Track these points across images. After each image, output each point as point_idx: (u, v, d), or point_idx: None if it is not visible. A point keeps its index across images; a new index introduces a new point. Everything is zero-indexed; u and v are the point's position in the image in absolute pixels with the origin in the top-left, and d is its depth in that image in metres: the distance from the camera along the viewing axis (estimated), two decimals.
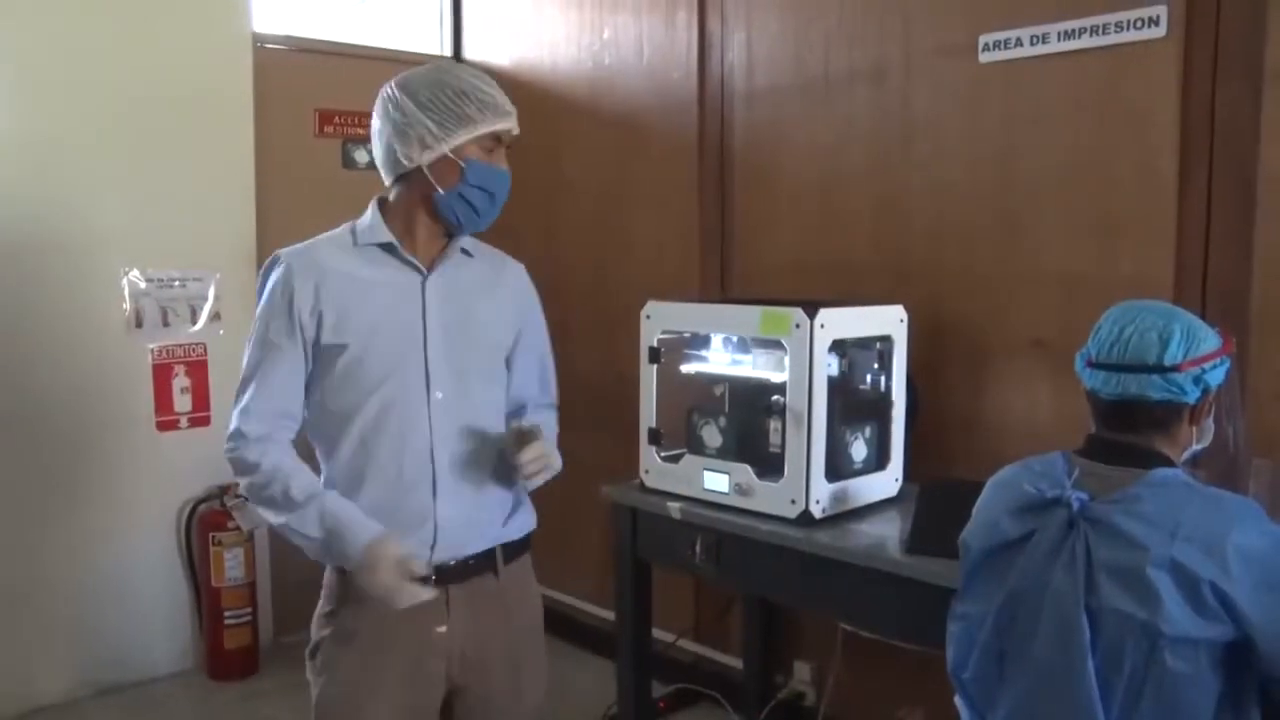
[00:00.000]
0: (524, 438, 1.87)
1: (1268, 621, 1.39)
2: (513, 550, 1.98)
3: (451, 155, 1.81)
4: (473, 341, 1.92)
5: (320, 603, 1.92)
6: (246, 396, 1.83)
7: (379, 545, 1.73)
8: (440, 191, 1.83)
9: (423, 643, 1.86)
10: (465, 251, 1.94)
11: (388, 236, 1.86)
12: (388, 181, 1.90)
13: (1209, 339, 1.57)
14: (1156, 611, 1.41)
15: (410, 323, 1.86)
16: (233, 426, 1.83)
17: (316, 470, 1.89)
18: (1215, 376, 1.58)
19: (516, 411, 2.05)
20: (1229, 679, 1.44)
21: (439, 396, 1.86)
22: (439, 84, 1.81)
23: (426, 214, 1.87)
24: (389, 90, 1.85)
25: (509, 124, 1.86)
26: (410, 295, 1.87)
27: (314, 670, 1.91)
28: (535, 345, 2.09)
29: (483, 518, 1.93)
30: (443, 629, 1.86)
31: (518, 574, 2.00)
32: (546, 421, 2.07)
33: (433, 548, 1.85)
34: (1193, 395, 1.56)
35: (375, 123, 1.88)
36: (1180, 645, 1.41)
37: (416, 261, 1.88)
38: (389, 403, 1.84)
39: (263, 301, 1.84)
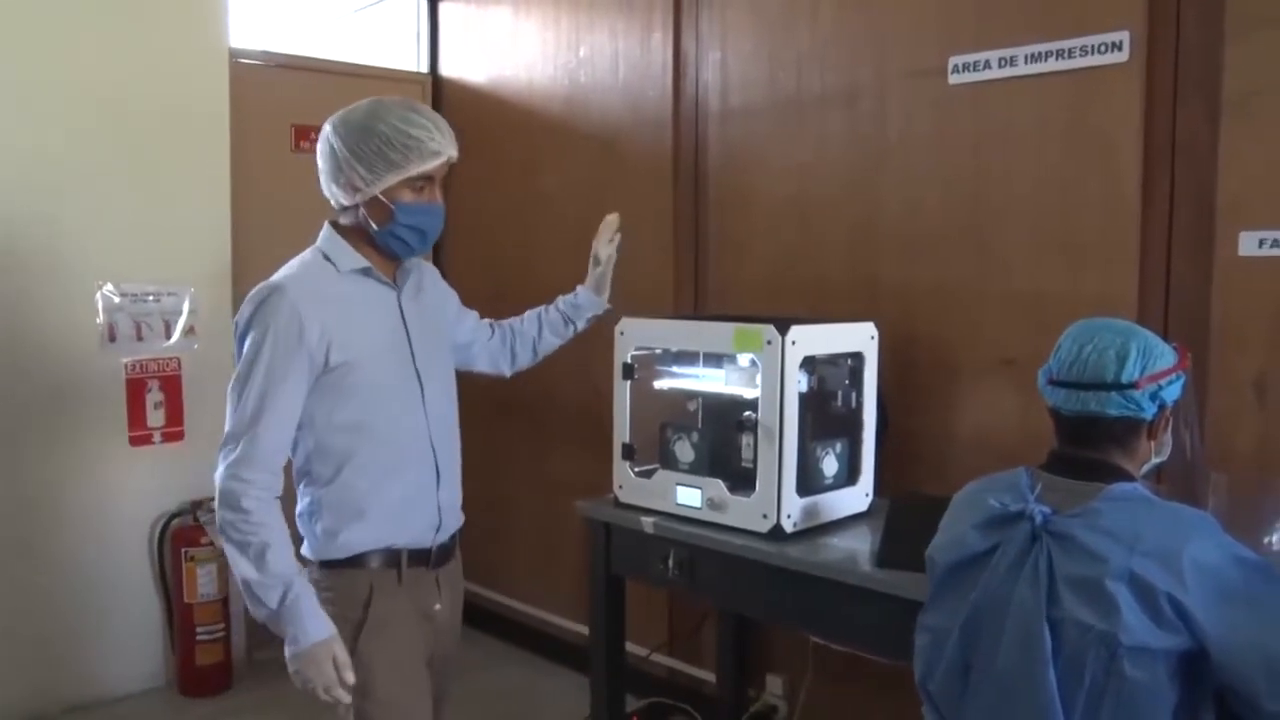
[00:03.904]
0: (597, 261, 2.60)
1: (1221, 632, 1.43)
2: (459, 534, 2.22)
3: (382, 198, 1.96)
4: (437, 339, 2.16)
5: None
6: (257, 428, 1.87)
7: (332, 644, 1.88)
8: (376, 228, 1.99)
9: (426, 621, 2.09)
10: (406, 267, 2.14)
11: (365, 262, 2.02)
12: (335, 209, 2.05)
13: (1165, 356, 1.61)
14: (1115, 622, 1.44)
15: (396, 333, 2.05)
16: (237, 453, 1.86)
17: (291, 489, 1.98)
18: (1171, 392, 1.62)
19: (488, 346, 2.43)
20: (1185, 689, 1.47)
21: (428, 393, 2.06)
22: (367, 130, 1.94)
23: (370, 244, 2.03)
24: (326, 130, 2.00)
25: (434, 164, 1.98)
26: (391, 310, 2.05)
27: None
28: (464, 312, 2.40)
29: (458, 502, 2.17)
30: (438, 606, 2.11)
31: (459, 556, 2.25)
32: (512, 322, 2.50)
33: (437, 530, 2.08)
34: (1150, 411, 1.60)
35: (317, 159, 2.02)
36: (1139, 655, 1.44)
37: (389, 281, 2.06)
38: (396, 406, 2.02)
39: (267, 330, 1.89)
